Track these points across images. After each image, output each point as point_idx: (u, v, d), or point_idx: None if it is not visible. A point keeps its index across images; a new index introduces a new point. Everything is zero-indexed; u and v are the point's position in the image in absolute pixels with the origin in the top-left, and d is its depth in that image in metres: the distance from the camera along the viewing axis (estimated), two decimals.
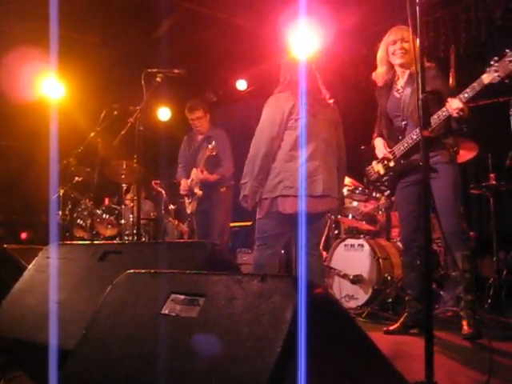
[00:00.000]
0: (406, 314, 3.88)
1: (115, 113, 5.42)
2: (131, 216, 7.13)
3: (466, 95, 3.33)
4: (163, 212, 7.44)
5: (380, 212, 5.06)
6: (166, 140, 7.30)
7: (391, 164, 3.87)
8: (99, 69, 7.63)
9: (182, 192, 5.72)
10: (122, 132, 4.56)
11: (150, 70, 4.35)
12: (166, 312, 1.47)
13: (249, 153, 3.81)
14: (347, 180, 5.46)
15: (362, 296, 4.84)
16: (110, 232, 7.48)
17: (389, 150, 3.88)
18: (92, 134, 5.66)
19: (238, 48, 7.26)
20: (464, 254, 3.56)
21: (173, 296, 1.49)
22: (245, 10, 6.75)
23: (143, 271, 1.68)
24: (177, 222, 7.23)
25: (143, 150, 4.42)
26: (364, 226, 5.32)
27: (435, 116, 3.42)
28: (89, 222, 7.02)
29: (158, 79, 4.37)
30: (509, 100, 4.36)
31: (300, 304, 1.23)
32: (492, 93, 3.31)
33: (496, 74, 3.21)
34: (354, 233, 5.47)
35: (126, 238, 7.19)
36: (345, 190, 5.31)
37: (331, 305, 1.33)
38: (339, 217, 5.33)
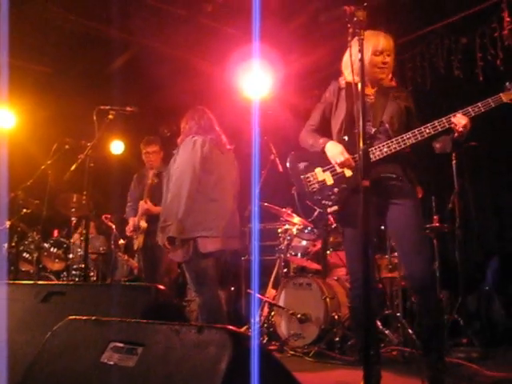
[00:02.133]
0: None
1: (66, 147, 5.38)
2: (79, 250, 7.04)
3: (476, 109, 3.00)
4: (113, 247, 7.34)
5: (328, 252, 5.13)
6: (118, 173, 7.28)
7: (348, 173, 3.17)
8: (51, 100, 7.59)
9: (127, 233, 5.66)
10: (72, 168, 4.53)
11: (102, 107, 4.37)
12: (105, 361, 1.48)
13: (171, 195, 3.88)
14: (297, 219, 5.56)
15: (309, 335, 4.87)
16: (57, 266, 7.32)
17: (351, 156, 3.13)
18: (43, 167, 5.60)
19: (192, 85, 7.34)
20: (437, 299, 3.32)
21: (112, 344, 1.50)
22: (200, 48, 6.87)
23: (84, 318, 1.68)
24: (126, 257, 7.13)
25: (94, 184, 4.40)
26: (312, 265, 5.39)
27: (429, 125, 3.05)
28: (35, 255, 6.85)
29: (111, 116, 4.38)
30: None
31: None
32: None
33: None
34: (303, 272, 5.53)
35: (73, 272, 7.06)
36: (294, 229, 5.40)
37: (265, 355, 1.37)
38: (288, 256, 5.38)
